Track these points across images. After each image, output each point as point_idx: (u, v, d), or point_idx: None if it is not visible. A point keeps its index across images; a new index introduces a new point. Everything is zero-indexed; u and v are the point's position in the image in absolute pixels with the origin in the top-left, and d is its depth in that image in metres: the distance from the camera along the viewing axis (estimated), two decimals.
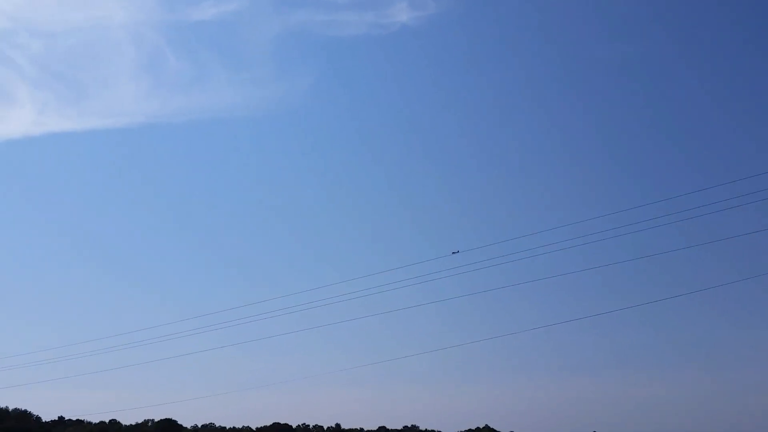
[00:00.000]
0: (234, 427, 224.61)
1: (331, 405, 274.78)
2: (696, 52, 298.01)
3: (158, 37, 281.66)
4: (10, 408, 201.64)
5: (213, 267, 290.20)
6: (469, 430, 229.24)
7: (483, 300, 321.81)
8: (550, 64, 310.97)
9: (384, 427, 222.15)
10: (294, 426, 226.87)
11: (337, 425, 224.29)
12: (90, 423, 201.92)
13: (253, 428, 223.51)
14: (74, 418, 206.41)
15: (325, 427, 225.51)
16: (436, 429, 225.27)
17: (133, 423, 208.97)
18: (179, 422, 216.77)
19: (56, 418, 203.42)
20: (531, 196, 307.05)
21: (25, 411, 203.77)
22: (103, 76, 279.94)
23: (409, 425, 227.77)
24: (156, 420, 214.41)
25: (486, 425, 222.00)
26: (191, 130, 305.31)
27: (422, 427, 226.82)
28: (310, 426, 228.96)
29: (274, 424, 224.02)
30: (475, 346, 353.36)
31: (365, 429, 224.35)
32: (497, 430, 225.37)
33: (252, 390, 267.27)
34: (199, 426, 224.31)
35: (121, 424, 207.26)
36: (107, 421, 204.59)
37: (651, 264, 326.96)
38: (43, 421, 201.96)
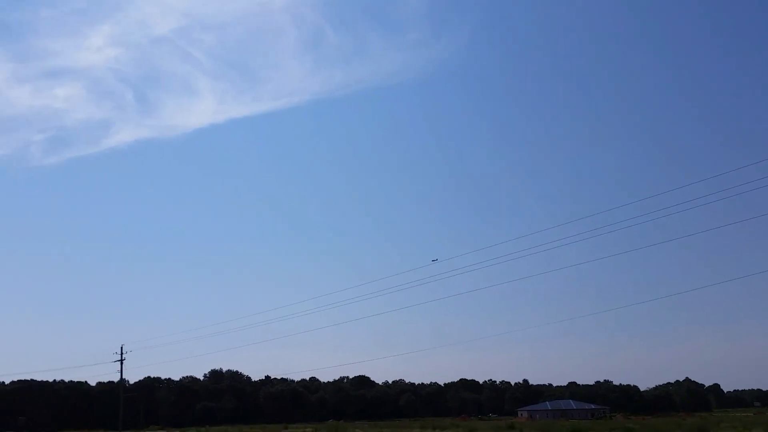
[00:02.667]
0: (422, 383, 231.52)
1: (518, 362, 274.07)
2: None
3: (317, 15, 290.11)
4: (224, 369, 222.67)
5: (397, 230, 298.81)
6: (668, 383, 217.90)
7: (673, 252, 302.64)
8: None
9: (574, 383, 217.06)
10: (481, 382, 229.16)
11: (525, 381, 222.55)
12: (293, 381, 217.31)
13: (441, 384, 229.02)
14: (279, 377, 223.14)
15: (513, 383, 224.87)
16: (631, 383, 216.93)
17: (331, 380, 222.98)
18: (372, 379, 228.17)
19: (263, 377, 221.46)
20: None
21: (237, 371, 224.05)
22: (270, 60, 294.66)
23: (602, 380, 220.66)
24: (351, 377, 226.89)
25: (686, 378, 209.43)
26: (355, 102, 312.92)
27: (615, 382, 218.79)
28: (497, 382, 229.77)
29: (461, 380, 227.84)
30: (667, 300, 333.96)
31: (554, 385, 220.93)
32: (699, 382, 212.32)
33: (439, 348, 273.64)
34: (390, 382, 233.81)
35: (320, 381, 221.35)
36: (308, 378, 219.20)
37: None
38: (253, 380, 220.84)
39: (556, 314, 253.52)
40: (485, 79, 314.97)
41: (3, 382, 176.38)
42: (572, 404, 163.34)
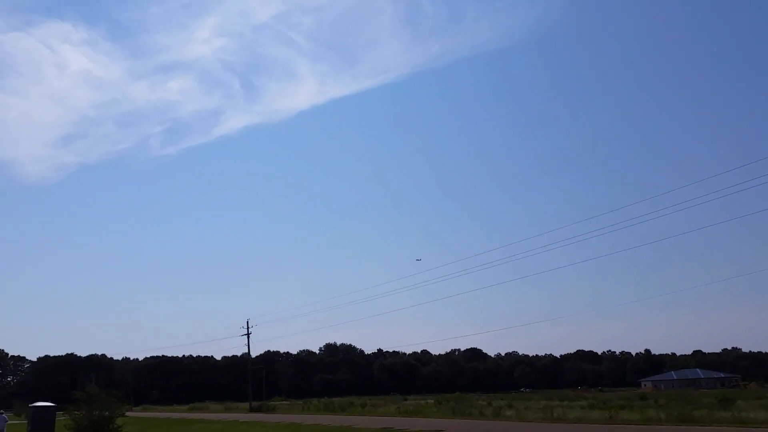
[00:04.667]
0: (537, 355, 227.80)
1: (638, 331, 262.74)
2: None
3: None
4: (338, 343, 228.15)
5: (507, 199, 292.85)
6: None
7: None
8: None
9: (699, 351, 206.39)
10: (599, 353, 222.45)
11: (647, 351, 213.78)
12: (404, 354, 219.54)
13: (557, 355, 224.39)
14: (390, 350, 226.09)
15: (634, 354, 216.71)
16: (762, 350, 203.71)
17: (442, 353, 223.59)
18: (484, 351, 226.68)
19: (376, 351, 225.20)
20: None
21: (350, 345, 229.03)
22: (368, 38, 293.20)
23: (729, 348, 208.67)
24: (462, 350, 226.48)
25: None
26: (454, 72, 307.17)
27: (745, 350, 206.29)
28: (617, 353, 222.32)
29: (578, 351, 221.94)
30: None
31: (677, 354, 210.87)
32: None
33: (554, 320, 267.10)
34: (503, 354, 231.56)
35: (432, 354, 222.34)
36: (419, 351, 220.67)
37: None
38: (366, 353, 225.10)
39: (679, 282, 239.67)
40: (586, 42, 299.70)
41: (137, 359, 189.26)
42: (699, 373, 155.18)
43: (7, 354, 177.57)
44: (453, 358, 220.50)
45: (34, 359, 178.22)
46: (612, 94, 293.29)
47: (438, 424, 34.30)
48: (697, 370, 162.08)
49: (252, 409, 77.04)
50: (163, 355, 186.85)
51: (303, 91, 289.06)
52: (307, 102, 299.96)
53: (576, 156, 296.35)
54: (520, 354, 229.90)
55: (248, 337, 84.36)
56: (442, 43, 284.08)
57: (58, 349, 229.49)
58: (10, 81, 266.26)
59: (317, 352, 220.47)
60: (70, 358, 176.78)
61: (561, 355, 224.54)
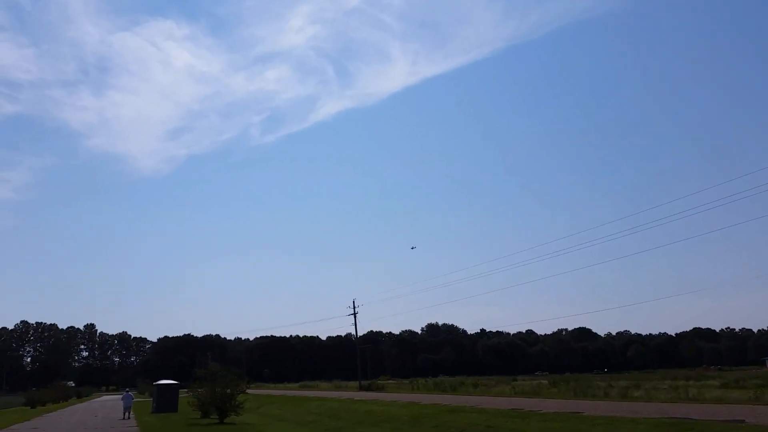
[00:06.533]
0: (650, 333, 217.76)
1: (760, 306, 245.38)
2: None
3: None
4: (440, 323, 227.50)
5: (608, 175, 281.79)
6: None
7: None
8: None
9: None
10: (718, 330, 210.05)
11: None
12: (508, 334, 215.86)
13: (672, 334, 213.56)
14: (494, 330, 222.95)
15: (756, 330, 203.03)
16: None
17: (549, 332, 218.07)
18: (593, 330, 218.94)
19: (479, 331, 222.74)
20: None
21: (452, 325, 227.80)
22: (459, 14, 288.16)
23: None
24: (569, 329, 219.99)
25: None
26: (553, 42, 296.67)
27: None
28: (737, 330, 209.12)
29: (695, 329, 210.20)
30: None
31: None
32: None
33: (667, 298, 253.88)
34: (613, 333, 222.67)
35: (537, 334, 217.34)
36: (524, 331, 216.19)
37: None
38: (468, 333, 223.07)
39: None
40: (700, 8, 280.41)
41: (248, 339, 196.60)
42: None
43: (130, 336, 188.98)
44: (560, 337, 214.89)
45: (155, 340, 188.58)
46: (720, 61, 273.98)
47: (569, 405, 32.35)
48: None
49: (361, 388, 77.39)
50: (272, 335, 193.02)
51: (395, 72, 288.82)
52: (400, 83, 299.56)
53: (673, 131, 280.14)
54: (633, 333, 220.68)
55: (355, 317, 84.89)
56: (538, 12, 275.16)
57: (176, 330, 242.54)
58: (120, 79, 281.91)
59: (419, 332, 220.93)
60: (188, 338, 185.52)
61: (676, 334, 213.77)
